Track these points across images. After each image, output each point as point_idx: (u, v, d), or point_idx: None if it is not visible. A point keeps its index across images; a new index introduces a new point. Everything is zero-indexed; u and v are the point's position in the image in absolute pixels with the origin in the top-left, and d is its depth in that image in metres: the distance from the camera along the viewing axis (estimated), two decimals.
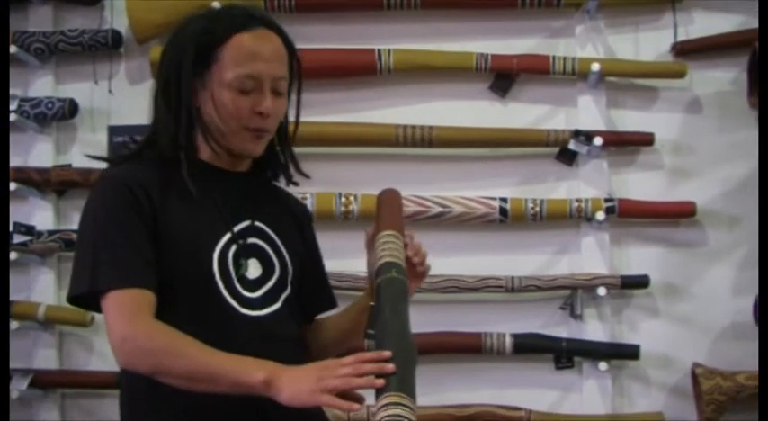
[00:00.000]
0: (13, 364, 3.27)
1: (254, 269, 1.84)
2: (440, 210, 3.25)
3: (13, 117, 3.32)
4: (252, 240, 1.86)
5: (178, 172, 1.83)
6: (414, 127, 3.27)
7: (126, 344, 1.67)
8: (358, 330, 1.86)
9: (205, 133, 1.85)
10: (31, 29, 3.46)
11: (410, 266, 1.87)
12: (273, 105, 1.82)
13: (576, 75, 3.27)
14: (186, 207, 1.81)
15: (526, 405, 3.22)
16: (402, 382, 1.56)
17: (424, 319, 3.29)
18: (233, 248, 1.82)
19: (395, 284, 1.77)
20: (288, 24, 3.27)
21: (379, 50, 3.30)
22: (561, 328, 3.29)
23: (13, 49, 3.34)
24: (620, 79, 3.34)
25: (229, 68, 1.79)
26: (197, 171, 1.84)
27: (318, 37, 3.38)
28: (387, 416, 1.47)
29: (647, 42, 3.36)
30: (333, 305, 2.10)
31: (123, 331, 1.68)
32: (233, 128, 1.82)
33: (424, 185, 3.31)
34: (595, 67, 3.19)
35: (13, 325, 3.25)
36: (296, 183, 2.03)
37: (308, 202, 3.22)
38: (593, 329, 3.26)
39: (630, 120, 3.35)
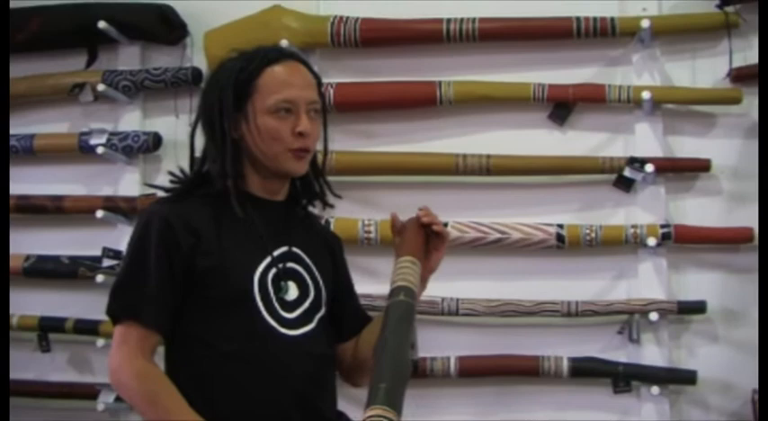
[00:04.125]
0: (102, 379, 3.54)
1: (292, 291, 2.01)
2: (498, 236, 3.33)
3: (101, 150, 3.58)
4: (290, 264, 2.02)
5: (225, 204, 2.00)
6: (473, 156, 3.37)
7: (115, 375, 1.91)
8: None
9: (253, 163, 2.03)
10: (120, 67, 3.72)
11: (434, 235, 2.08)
12: (311, 126, 2.00)
13: (632, 102, 3.31)
14: (232, 235, 1.99)
15: None
16: (390, 396, 1.68)
17: (482, 342, 3.40)
18: (272, 272, 1.99)
19: (401, 307, 1.92)
20: (353, 58, 3.57)
21: (439, 82, 3.41)
22: (620, 352, 3.32)
23: (101, 87, 3.61)
24: (678, 106, 3.36)
25: (267, 96, 1.99)
26: (242, 200, 2.02)
27: (382, 70, 3.54)
28: None
29: (704, 69, 3.36)
30: (368, 321, 2.23)
31: (119, 363, 1.90)
32: (277, 150, 2.00)
33: (484, 212, 3.40)
34: (646, 94, 3.23)
35: (100, 342, 3.51)
36: (332, 206, 2.20)
37: (372, 230, 3.37)
38: (652, 354, 3.28)
39: (689, 146, 3.37)
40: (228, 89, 2.00)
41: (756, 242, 3.22)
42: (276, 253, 2.02)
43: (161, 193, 2.14)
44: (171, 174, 2.15)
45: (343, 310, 2.18)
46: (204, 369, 1.95)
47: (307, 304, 2.03)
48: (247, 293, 1.95)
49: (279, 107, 1.98)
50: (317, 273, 2.07)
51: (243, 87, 2.00)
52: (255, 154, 2.02)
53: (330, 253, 2.19)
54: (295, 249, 2.05)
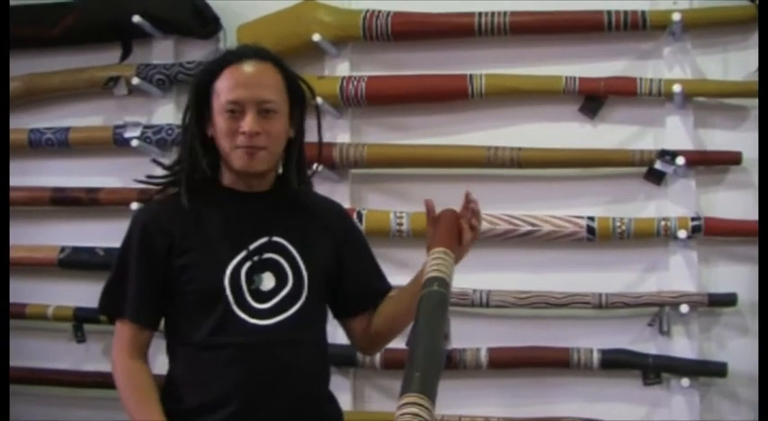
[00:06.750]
0: None
1: (267, 282, 2.08)
2: (529, 228, 3.35)
3: (135, 143, 3.64)
4: (267, 255, 2.09)
5: (202, 201, 2.10)
6: (504, 148, 3.39)
7: (112, 365, 2.11)
8: (408, 315, 2.01)
9: (225, 158, 2.11)
10: (154, 61, 3.76)
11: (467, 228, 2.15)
12: (257, 125, 2.04)
13: (663, 96, 3.32)
14: (209, 231, 2.09)
15: (614, 419, 3.29)
16: (424, 384, 1.70)
17: (513, 334, 3.42)
18: (247, 265, 2.07)
19: (435, 297, 1.95)
20: (385, 52, 3.59)
21: (471, 75, 3.44)
22: (650, 345, 3.33)
23: (136, 80, 3.67)
24: (709, 99, 3.36)
25: (219, 97, 2.07)
26: (219, 195, 2.12)
27: (414, 63, 3.58)
28: (404, 414, 1.62)
29: (735, 62, 3.36)
30: (388, 290, 2.28)
31: (114, 355, 2.11)
32: (228, 148, 2.08)
33: (514, 204, 3.42)
34: (677, 88, 3.24)
35: None
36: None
37: (404, 222, 3.40)
38: (682, 346, 3.29)
39: (720, 139, 3.37)
40: (193, 91, 2.12)
41: None
42: (253, 245, 2.09)
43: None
44: (159, 164, 2.26)
45: (352, 287, 2.23)
46: (181, 358, 2.09)
47: (284, 293, 2.09)
48: (218, 288, 2.05)
49: (227, 108, 2.05)
50: (299, 261, 2.12)
51: (205, 89, 2.10)
52: (221, 151, 2.11)
53: (330, 234, 2.21)
54: (276, 239, 2.11)
